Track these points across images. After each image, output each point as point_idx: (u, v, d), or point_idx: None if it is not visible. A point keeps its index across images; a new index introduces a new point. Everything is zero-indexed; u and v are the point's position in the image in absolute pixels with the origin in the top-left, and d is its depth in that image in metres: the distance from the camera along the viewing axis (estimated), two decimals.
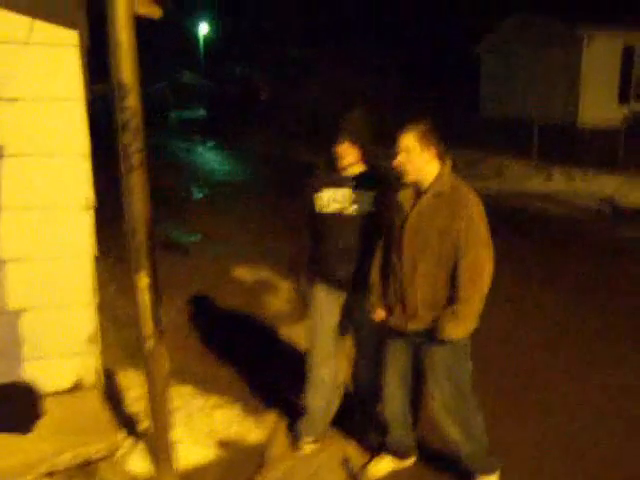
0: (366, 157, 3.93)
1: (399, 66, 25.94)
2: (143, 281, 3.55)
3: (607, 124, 17.27)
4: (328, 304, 4.07)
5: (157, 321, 3.63)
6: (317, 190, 3.97)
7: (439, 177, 3.47)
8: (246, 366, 5.47)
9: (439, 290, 3.48)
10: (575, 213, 13.33)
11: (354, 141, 3.83)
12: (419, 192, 3.52)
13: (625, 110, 17.75)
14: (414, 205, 3.51)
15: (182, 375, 5.13)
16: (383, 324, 3.78)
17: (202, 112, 37.07)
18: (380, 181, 3.92)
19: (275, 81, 33.39)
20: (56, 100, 4.04)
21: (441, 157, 3.50)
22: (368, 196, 3.89)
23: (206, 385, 5.03)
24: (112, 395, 4.68)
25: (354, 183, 3.91)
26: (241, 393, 4.98)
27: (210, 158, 22.57)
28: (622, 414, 4.75)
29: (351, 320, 4.11)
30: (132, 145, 3.46)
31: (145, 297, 3.58)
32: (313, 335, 4.15)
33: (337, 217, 3.92)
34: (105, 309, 5.96)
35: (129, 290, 3.66)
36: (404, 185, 3.57)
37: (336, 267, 3.95)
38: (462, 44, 23.90)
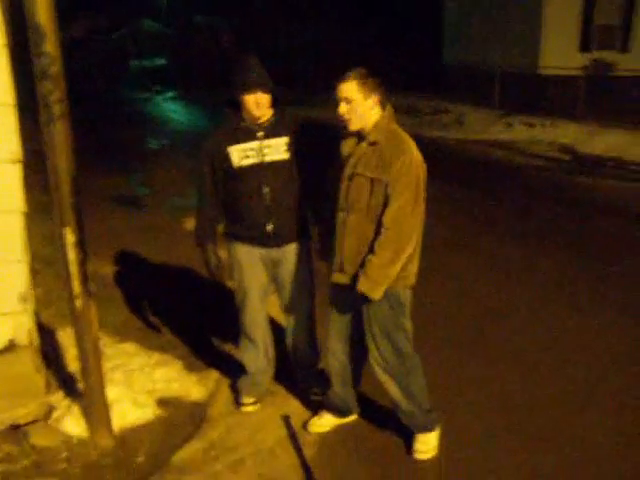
0: (275, 102, 3.77)
1: (357, 15, 25.51)
2: (69, 238, 3.39)
3: (568, 72, 17.18)
4: (252, 264, 3.92)
5: (85, 279, 3.48)
6: (228, 144, 3.78)
7: (376, 125, 3.35)
8: (191, 323, 5.37)
9: (364, 243, 3.37)
10: (535, 161, 13.32)
11: (266, 87, 3.66)
12: (360, 141, 3.41)
13: (586, 58, 17.64)
14: (351, 154, 3.41)
15: (123, 332, 5.02)
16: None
17: (162, 61, 36.32)
18: (290, 126, 3.80)
19: (238, 30, 32.78)
20: None
21: (383, 104, 3.38)
22: (282, 142, 3.75)
23: (149, 342, 4.92)
24: (51, 354, 4.55)
25: (267, 131, 3.75)
26: (184, 351, 4.89)
27: (169, 109, 22.17)
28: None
29: (276, 278, 3.99)
30: (52, 94, 3.26)
31: (71, 254, 3.43)
32: (240, 297, 4.02)
33: (257, 168, 3.75)
34: (52, 265, 5.83)
35: None
36: (347, 134, 3.45)
37: (264, 222, 3.79)
38: None
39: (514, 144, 15.10)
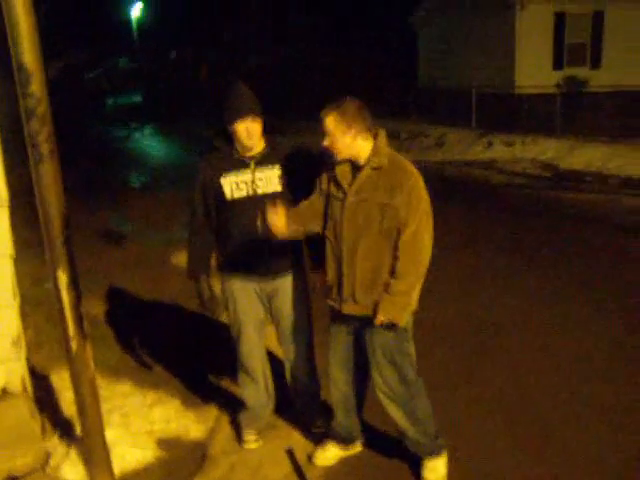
0: (264, 133, 3.70)
1: (334, 41, 25.77)
2: (62, 278, 3.32)
3: (543, 90, 17.43)
4: (247, 298, 3.84)
5: (79, 321, 3.40)
6: (220, 176, 3.70)
7: (376, 151, 3.32)
8: (185, 359, 5.28)
9: (379, 269, 3.34)
10: (517, 179, 13.42)
11: (256, 113, 3.60)
12: (356, 168, 3.37)
13: (559, 75, 17.91)
14: (353, 181, 3.36)
15: (117, 372, 4.92)
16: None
17: (139, 98, 36.40)
18: (287, 156, 3.73)
19: (213, 61, 33.01)
20: None
21: (369, 131, 3.34)
22: (274, 174, 3.69)
23: (143, 381, 4.82)
24: (45, 399, 4.44)
25: (259, 163, 3.69)
26: (180, 387, 4.79)
27: (148, 144, 22.17)
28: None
29: (272, 310, 3.91)
30: (40, 134, 3.21)
31: (65, 295, 3.35)
32: (236, 331, 3.93)
33: (250, 200, 3.67)
34: (41, 305, 5.72)
35: None
36: (339, 161, 3.41)
37: (258, 254, 3.72)
38: (396, 15, 23.81)
39: (495, 163, 15.22)
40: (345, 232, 3.37)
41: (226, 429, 4.25)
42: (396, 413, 3.53)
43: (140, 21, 44.86)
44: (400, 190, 3.24)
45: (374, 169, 3.31)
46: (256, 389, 4.00)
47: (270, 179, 3.68)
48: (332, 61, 23.97)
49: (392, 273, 3.29)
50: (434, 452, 3.61)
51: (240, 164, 3.69)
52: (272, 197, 3.64)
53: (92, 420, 3.54)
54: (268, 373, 4.05)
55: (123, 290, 6.79)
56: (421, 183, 3.31)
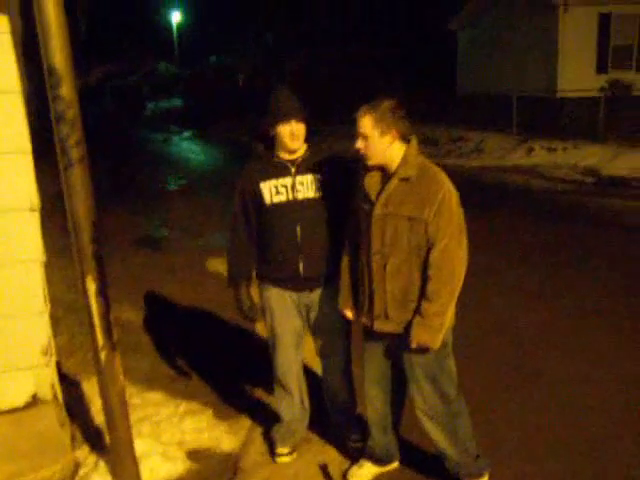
0: (306, 137, 3.60)
1: (373, 52, 25.67)
2: (90, 287, 3.24)
3: (586, 94, 17.04)
4: (284, 308, 3.73)
5: (109, 330, 3.32)
6: (260, 180, 3.61)
7: (405, 160, 3.13)
8: (220, 368, 5.16)
9: (410, 287, 3.16)
10: (558, 185, 13.12)
11: (301, 116, 3.50)
12: (386, 177, 3.20)
13: (603, 79, 17.51)
14: (381, 192, 3.18)
15: (150, 380, 4.85)
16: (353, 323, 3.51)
17: (178, 102, 36.77)
18: (325, 163, 3.61)
19: (251, 67, 33.22)
20: None
21: (405, 137, 3.16)
22: (315, 179, 3.58)
23: (175, 390, 4.73)
24: (76, 406, 4.38)
25: (300, 167, 3.58)
26: (213, 398, 4.68)
27: (186, 148, 22.27)
28: None
29: (309, 322, 3.79)
30: (70, 138, 3.14)
31: (94, 304, 3.27)
32: (273, 344, 3.82)
33: (289, 205, 3.57)
34: (76, 311, 5.69)
35: None
36: (369, 170, 3.24)
37: (296, 261, 3.60)
38: (436, 21, 23.62)
39: (536, 168, 14.93)
40: (373, 247, 3.20)
41: (259, 442, 4.13)
42: (436, 432, 3.36)
43: (180, 26, 45.34)
44: (430, 203, 3.05)
45: (402, 180, 3.13)
46: (291, 403, 3.89)
47: (311, 184, 3.58)
48: (370, 71, 23.88)
49: (423, 294, 3.11)
50: (476, 473, 3.45)
51: (281, 168, 3.59)
52: (312, 202, 3.56)
53: (121, 432, 3.46)
54: (304, 387, 3.92)
55: (158, 296, 6.73)
56: (453, 195, 3.10)
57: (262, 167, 3.64)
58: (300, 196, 3.56)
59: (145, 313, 6.33)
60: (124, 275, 7.14)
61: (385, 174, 3.21)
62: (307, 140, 3.61)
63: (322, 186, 3.58)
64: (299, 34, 29.82)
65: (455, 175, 3.24)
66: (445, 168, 3.22)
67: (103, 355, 3.32)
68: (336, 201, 3.56)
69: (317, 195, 3.58)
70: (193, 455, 4.01)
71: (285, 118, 3.47)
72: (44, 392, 3.99)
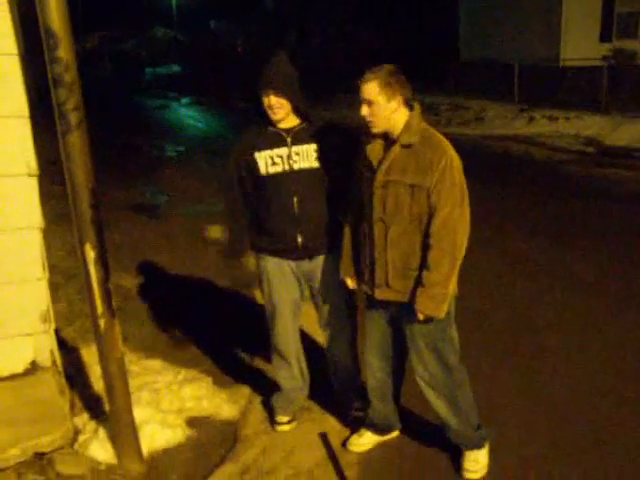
0: (299, 108, 3.50)
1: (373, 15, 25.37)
2: (89, 254, 3.20)
3: (589, 63, 16.85)
4: (282, 277, 3.68)
5: (108, 297, 3.29)
6: (255, 151, 3.53)
7: (407, 127, 3.07)
8: (219, 336, 5.15)
9: (411, 256, 3.12)
10: (558, 155, 13.04)
11: (282, 90, 3.39)
12: (388, 144, 3.14)
13: (607, 48, 17.32)
14: (383, 159, 3.13)
15: (149, 348, 4.84)
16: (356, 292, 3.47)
17: (176, 68, 36.41)
18: (321, 132, 3.53)
19: (252, 34, 32.84)
20: None
21: (408, 103, 3.11)
22: (311, 149, 3.50)
23: (175, 358, 4.72)
24: (76, 373, 4.37)
25: (296, 137, 3.50)
26: (212, 365, 4.68)
27: (184, 114, 22.10)
28: None
29: (311, 291, 3.75)
30: (67, 102, 3.07)
31: (93, 271, 3.23)
32: (270, 313, 3.79)
33: (285, 176, 3.50)
34: (74, 277, 5.66)
35: None
36: (372, 137, 3.19)
37: (293, 233, 3.54)
38: None
39: (537, 138, 14.83)
40: (375, 215, 3.16)
41: (258, 410, 4.13)
42: (438, 402, 3.35)
43: None
44: (432, 170, 2.99)
45: (404, 147, 3.07)
46: (290, 372, 3.87)
47: (307, 154, 3.50)
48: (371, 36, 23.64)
49: (425, 263, 3.07)
50: (477, 444, 3.44)
51: (276, 138, 3.51)
52: (309, 173, 3.48)
53: (120, 400, 3.45)
54: (302, 356, 3.90)
55: (156, 264, 6.69)
56: (456, 163, 3.04)
57: (258, 137, 3.55)
58: (296, 167, 3.49)
59: (144, 281, 6.30)
60: (121, 243, 7.09)
61: (387, 141, 3.15)
62: (301, 110, 3.51)
63: (319, 156, 3.50)
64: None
65: (456, 143, 3.17)
66: (446, 136, 3.16)
67: (102, 322, 3.30)
68: (334, 171, 3.49)
69: (314, 165, 3.50)
70: (192, 423, 4.01)
71: (263, 89, 3.39)
72: (43, 359, 3.98)
